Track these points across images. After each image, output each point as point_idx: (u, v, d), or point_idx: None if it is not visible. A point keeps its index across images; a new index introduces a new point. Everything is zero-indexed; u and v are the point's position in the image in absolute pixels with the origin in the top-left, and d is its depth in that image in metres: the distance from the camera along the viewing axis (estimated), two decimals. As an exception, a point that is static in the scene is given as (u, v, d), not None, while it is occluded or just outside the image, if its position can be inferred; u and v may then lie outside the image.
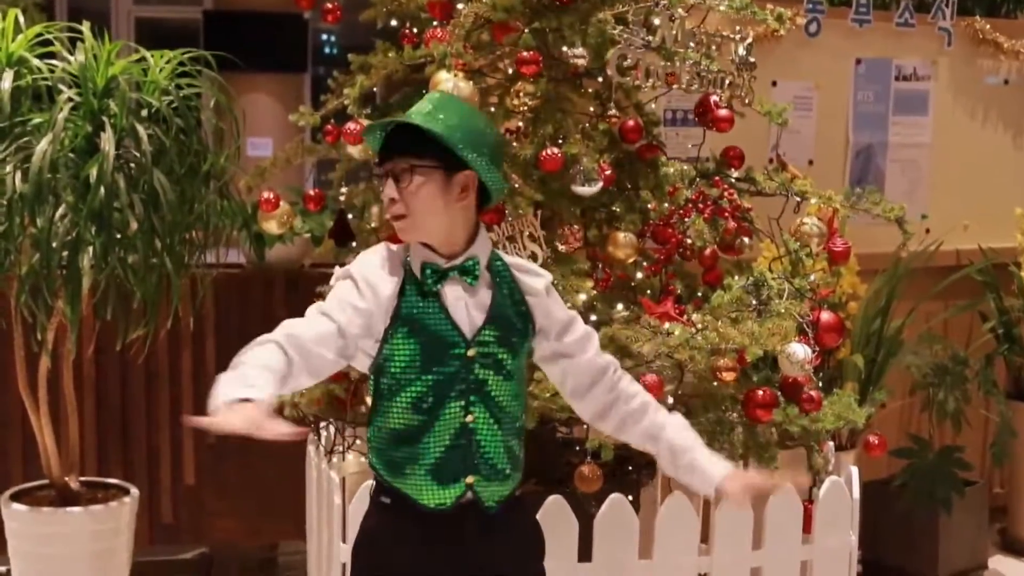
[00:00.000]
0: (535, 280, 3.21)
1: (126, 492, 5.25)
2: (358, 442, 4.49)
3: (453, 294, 3.08)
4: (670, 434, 3.27)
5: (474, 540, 3.12)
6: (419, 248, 3.09)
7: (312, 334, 2.95)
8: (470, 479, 3.08)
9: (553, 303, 3.24)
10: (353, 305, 3.00)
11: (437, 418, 3.04)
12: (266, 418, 2.64)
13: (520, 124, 4.36)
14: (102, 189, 4.49)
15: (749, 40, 4.66)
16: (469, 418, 3.06)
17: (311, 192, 4.99)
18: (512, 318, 3.15)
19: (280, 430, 2.62)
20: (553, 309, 3.23)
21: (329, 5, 5.00)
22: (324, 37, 11.87)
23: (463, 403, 3.06)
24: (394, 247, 3.13)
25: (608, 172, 4.28)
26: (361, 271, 3.06)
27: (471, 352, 3.06)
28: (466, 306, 3.09)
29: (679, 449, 3.25)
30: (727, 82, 4.52)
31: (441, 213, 3.05)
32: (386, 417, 3.09)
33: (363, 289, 3.03)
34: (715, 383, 4.06)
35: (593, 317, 4.21)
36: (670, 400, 4.00)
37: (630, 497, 4.18)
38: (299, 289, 5.90)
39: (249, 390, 2.70)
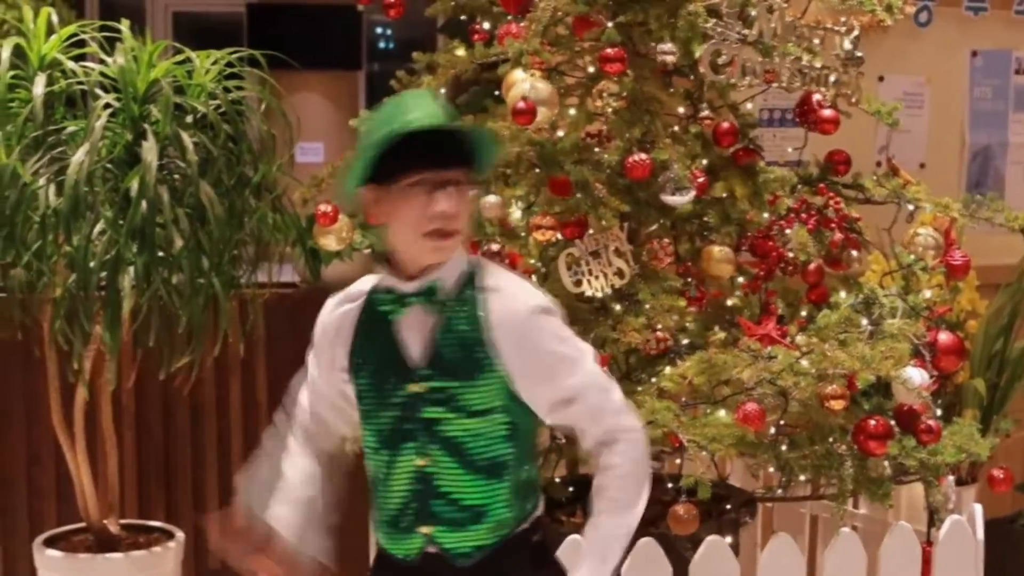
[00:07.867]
0: (510, 305, 2.96)
1: (170, 536, 5.18)
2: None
3: (411, 323, 3.01)
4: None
5: None
6: (386, 273, 3.04)
7: (311, 426, 3.22)
8: (426, 529, 3.00)
9: (538, 336, 2.96)
10: (312, 379, 3.19)
11: (393, 462, 3.02)
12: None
13: (603, 128, 4.40)
14: (144, 203, 4.44)
15: (855, 32, 4.66)
16: (422, 462, 2.99)
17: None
18: (472, 349, 2.95)
19: None
20: (532, 344, 2.96)
21: (390, -1, 4.87)
22: (379, 31, 11.93)
23: (415, 444, 2.99)
24: (353, 289, 3.14)
25: (701, 179, 4.30)
26: (315, 335, 3.17)
27: (416, 387, 2.98)
28: (424, 337, 3.00)
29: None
30: (831, 79, 4.54)
31: None
32: (367, 461, 3.12)
33: (313, 359, 3.18)
34: (822, 412, 4.02)
35: (685, 341, 4.25)
36: (772, 431, 4.00)
37: (729, 539, 4.19)
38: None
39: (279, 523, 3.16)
